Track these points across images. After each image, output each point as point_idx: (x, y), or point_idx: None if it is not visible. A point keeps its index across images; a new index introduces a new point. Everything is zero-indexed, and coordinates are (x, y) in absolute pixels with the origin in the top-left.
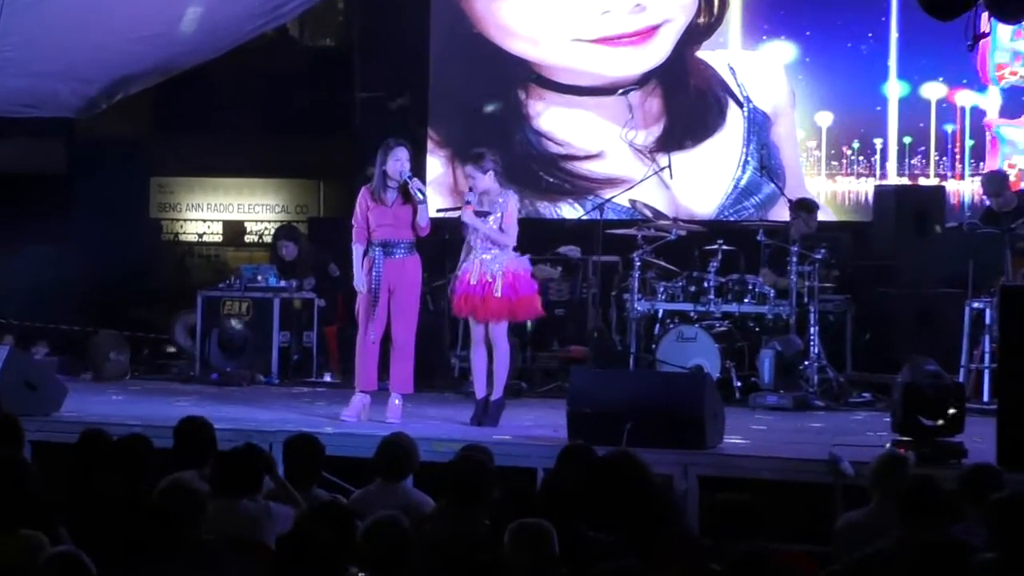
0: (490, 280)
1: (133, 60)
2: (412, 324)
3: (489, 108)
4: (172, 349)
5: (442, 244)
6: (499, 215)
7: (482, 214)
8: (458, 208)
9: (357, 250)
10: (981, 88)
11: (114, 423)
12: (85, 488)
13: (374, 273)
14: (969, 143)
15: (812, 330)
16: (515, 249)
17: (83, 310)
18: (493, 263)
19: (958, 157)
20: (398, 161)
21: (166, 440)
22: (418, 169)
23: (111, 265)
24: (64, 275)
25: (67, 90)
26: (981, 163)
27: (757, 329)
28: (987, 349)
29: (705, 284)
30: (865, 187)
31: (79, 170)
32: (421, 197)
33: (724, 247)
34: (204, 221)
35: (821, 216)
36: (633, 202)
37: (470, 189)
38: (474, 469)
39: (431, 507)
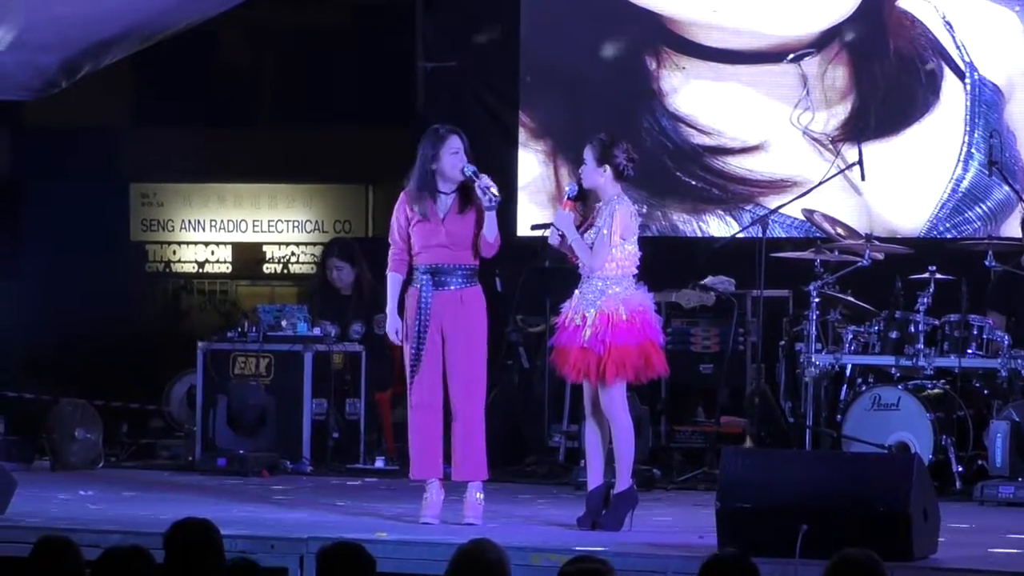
0: (579, 324)
1: (104, 19)
2: (477, 384)
3: (604, 83)
4: (162, 424)
5: (542, 274)
6: (600, 228)
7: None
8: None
9: (393, 281)
10: None
11: (82, 529)
12: None
13: (420, 309)
14: None
15: None
16: (636, 278)
17: (37, 371)
18: (589, 298)
19: None
20: (455, 154)
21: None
22: (507, 169)
23: (75, 307)
24: (9, 321)
25: (13, 62)
26: None
27: (986, 392)
28: None
29: (912, 329)
30: None
31: (31, 175)
32: (492, 200)
33: (939, 276)
34: (206, 245)
35: None
36: (809, 213)
37: (577, 181)
38: None
39: None
